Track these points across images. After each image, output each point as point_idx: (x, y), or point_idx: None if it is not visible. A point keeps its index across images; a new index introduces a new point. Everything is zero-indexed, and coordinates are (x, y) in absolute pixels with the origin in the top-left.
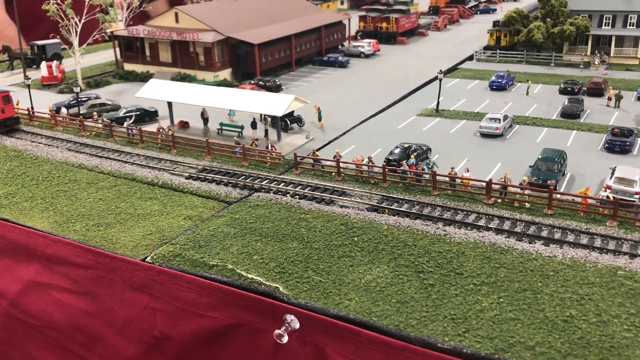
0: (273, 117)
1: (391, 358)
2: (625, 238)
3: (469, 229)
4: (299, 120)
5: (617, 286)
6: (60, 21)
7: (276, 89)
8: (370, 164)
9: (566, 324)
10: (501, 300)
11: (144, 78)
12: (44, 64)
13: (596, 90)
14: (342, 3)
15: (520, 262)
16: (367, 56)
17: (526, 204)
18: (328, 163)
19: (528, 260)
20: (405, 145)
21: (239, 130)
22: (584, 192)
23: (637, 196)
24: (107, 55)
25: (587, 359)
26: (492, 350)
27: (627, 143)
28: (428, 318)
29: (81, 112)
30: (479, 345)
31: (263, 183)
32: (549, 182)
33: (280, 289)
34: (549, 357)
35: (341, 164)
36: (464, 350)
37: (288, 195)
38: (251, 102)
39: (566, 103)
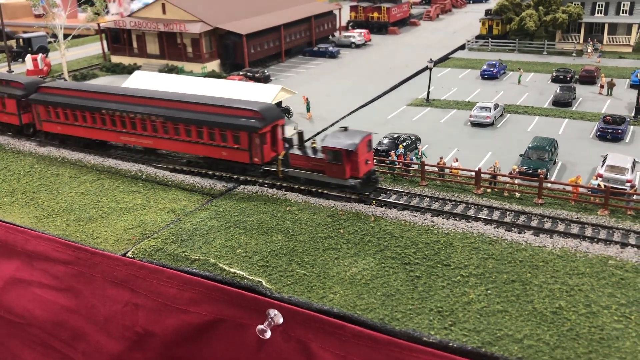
0: None
1: (376, 352)
2: (617, 227)
3: (458, 219)
4: (286, 111)
5: (607, 276)
6: (45, 13)
7: (265, 80)
8: None
9: (555, 316)
10: (489, 292)
11: (132, 70)
12: (29, 57)
13: (588, 78)
14: None
15: (509, 252)
16: (358, 46)
17: (516, 193)
18: None
19: (517, 251)
20: (395, 135)
21: None
22: (575, 180)
23: (628, 184)
24: (94, 47)
25: (576, 351)
26: (478, 344)
27: (619, 131)
28: (414, 311)
29: None
30: (466, 338)
31: (248, 175)
32: (539, 171)
33: (263, 283)
34: (537, 349)
35: None
36: (450, 344)
37: (274, 187)
38: (238, 93)
39: (558, 91)
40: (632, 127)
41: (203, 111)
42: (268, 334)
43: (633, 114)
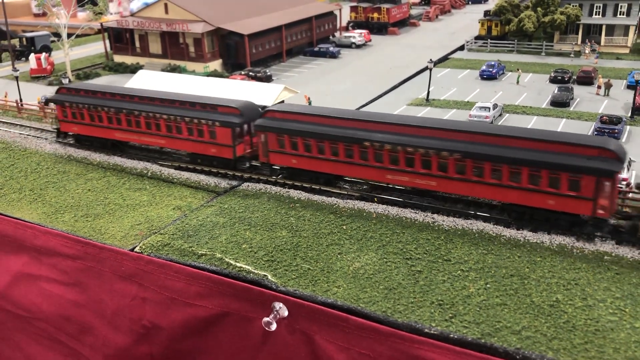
0: (262, 107)
1: (379, 344)
2: (612, 224)
3: (458, 216)
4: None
5: (603, 271)
6: (49, 12)
7: (267, 79)
8: None
9: (552, 309)
10: (488, 285)
11: (134, 70)
12: (32, 56)
13: (586, 79)
14: None
15: (508, 248)
16: (358, 47)
17: None
18: None
19: (516, 247)
20: None
21: None
22: None
23: (624, 182)
24: (97, 47)
25: (572, 342)
26: (478, 335)
27: (616, 131)
28: (415, 304)
29: None
30: (466, 330)
31: (252, 173)
32: None
33: (269, 277)
34: (534, 341)
35: None
36: (451, 336)
37: (278, 185)
38: (240, 92)
39: (556, 91)
40: (628, 127)
41: (521, 147)
42: (273, 327)
43: (629, 114)
